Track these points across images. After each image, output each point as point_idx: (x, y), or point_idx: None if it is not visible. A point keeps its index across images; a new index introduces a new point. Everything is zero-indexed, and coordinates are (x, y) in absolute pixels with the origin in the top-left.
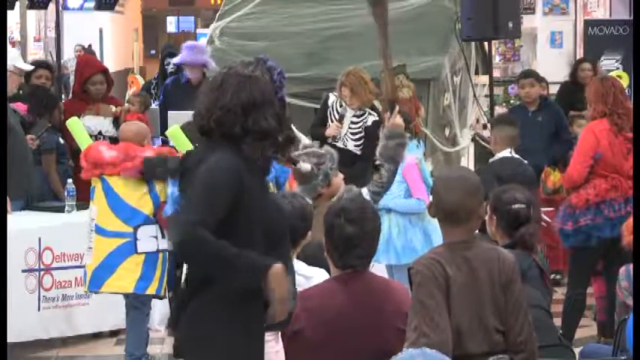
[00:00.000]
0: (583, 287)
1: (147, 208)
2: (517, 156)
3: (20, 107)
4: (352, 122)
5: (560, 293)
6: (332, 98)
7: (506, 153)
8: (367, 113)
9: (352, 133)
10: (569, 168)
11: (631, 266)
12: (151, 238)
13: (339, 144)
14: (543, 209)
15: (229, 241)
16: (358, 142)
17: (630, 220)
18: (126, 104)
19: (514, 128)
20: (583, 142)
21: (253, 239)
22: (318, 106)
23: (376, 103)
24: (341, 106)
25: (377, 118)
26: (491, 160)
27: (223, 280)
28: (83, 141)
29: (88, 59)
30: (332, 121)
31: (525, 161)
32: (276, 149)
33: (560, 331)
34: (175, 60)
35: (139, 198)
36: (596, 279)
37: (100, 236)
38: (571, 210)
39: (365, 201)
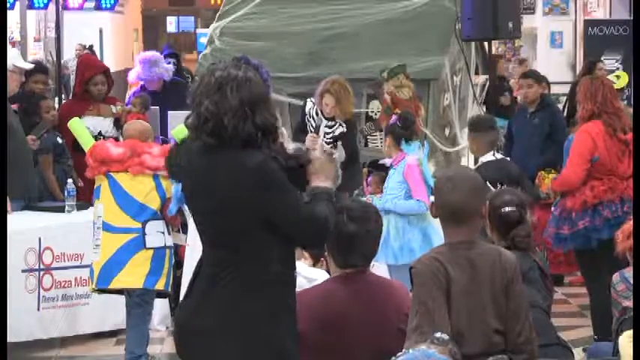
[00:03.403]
0: (602, 284)
1: (154, 203)
2: (500, 156)
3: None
4: (326, 132)
5: (560, 293)
6: (309, 105)
7: (490, 156)
8: (338, 124)
9: (327, 142)
10: (566, 170)
11: (625, 271)
12: (158, 234)
13: None
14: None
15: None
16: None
17: (625, 225)
18: (127, 105)
19: (494, 131)
20: (579, 144)
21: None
22: None
23: (376, 104)
24: (317, 114)
25: (344, 130)
26: (476, 166)
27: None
28: (86, 141)
29: (89, 59)
30: (309, 129)
31: (508, 158)
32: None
33: (595, 335)
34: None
35: (146, 194)
36: None
37: (107, 233)
38: (566, 213)
39: (366, 201)
